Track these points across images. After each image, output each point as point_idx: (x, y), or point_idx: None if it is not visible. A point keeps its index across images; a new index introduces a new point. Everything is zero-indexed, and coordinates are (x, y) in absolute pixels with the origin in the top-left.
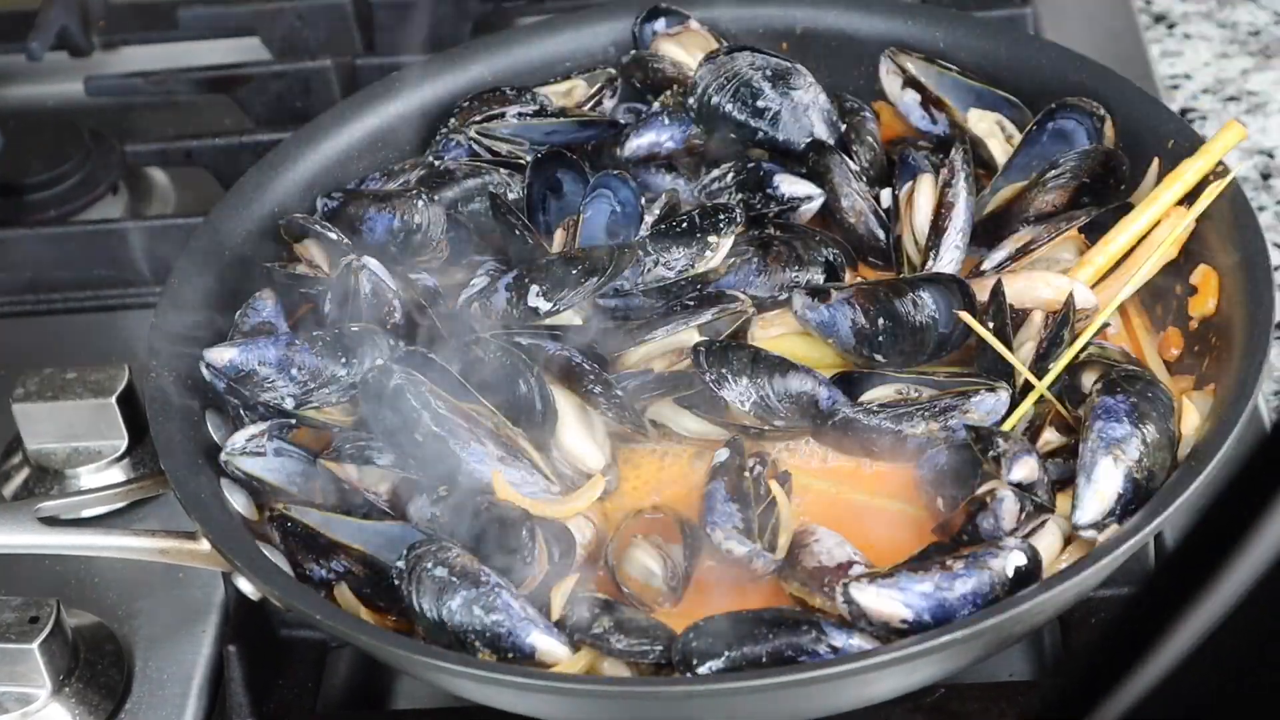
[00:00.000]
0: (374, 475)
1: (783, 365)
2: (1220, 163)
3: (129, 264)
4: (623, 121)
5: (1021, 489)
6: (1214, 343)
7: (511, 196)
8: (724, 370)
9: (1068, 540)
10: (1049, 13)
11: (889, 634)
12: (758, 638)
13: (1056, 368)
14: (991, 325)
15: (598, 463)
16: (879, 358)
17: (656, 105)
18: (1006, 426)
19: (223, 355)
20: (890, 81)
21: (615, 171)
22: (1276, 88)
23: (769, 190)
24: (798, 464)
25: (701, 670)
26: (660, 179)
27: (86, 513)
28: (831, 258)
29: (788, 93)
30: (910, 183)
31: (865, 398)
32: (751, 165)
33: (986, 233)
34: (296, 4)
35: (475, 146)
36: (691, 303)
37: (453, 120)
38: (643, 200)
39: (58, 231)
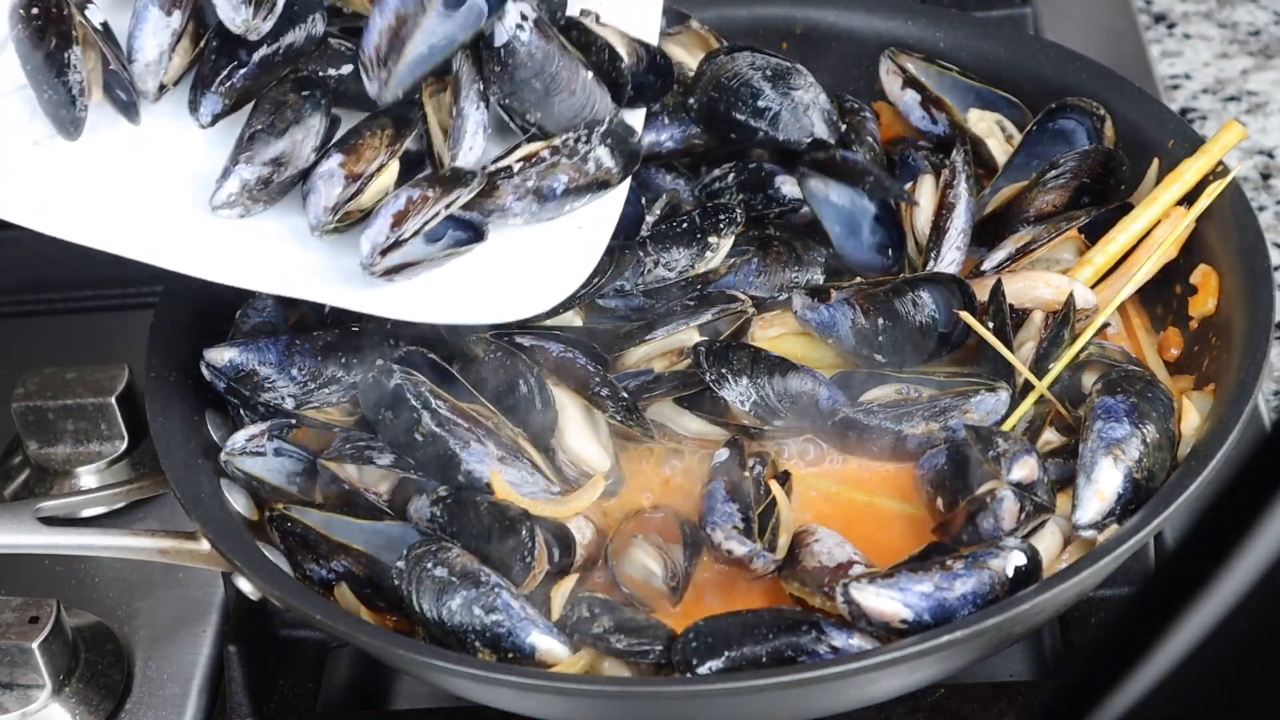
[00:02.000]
0: (374, 475)
1: (783, 365)
2: (1220, 163)
3: (129, 264)
4: None
5: (1021, 489)
6: (1214, 343)
7: None
8: (724, 370)
9: (1068, 540)
10: (1049, 13)
11: (889, 634)
12: (758, 638)
13: (1056, 368)
14: (991, 325)
15: (603, 464)
16: (879, 357)
17: (656, 105)
18: (1006, 426)
19: (223, 355)
20: (890, 81)
21: None
22: (1276, 88)
23: (770, 191)
24: (798, 464)
25: (701, 670)
26: (660, 179)
27: (86, 513)
28: (831, 258)
29: (788, 93)
30: (910, 183)
31: (865, 398)
32: (752, 165)
33: (986, 233)
34: None
35: None
36: (692, 303)
37: None
38: (643, 200)
39: None
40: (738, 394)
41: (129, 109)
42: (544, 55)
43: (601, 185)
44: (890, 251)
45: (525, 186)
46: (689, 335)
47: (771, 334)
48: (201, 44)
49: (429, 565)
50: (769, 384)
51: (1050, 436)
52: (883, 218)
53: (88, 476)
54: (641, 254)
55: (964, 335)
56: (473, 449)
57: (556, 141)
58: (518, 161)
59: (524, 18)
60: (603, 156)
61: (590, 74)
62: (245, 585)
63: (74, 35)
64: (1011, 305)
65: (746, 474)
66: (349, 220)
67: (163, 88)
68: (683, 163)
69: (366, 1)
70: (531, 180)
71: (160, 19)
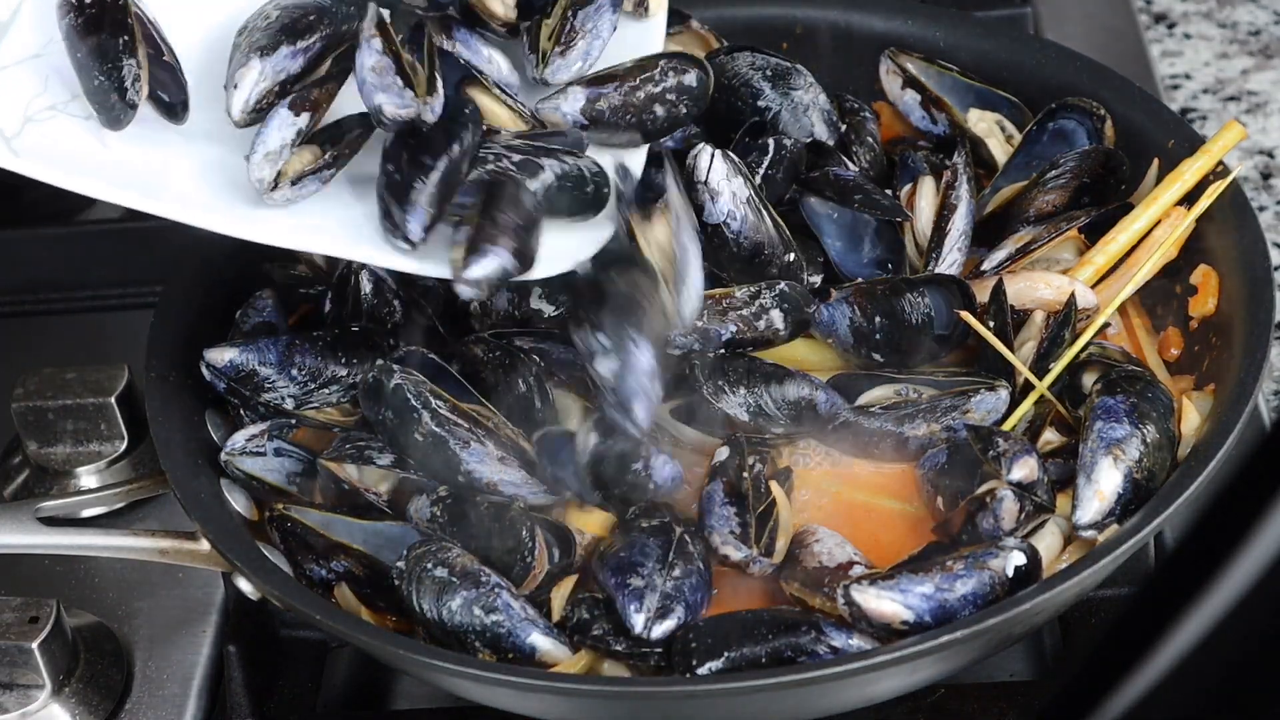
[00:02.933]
0: (374, 475)
1: (779, 373)
2: (1220, 163)
3: (129, 264)
4: None
5: (1021, 489)
6: (1214, 343)
7: None
8: (721, 382)
9: (1068, 540)
10: (1049, 13)
11: (889, 635)
12: (757, 638)
13: (1057, 368)
14: (992, 325)
15: None
16: (877, 357)
17: None
18: (1006, 426)
19: (223, 355)
20: (890, 81)
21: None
22: (1276, 88)
23: None
24: (797, 463)
25: (701, 671)
26: (660, 179)
27: (86, 513)
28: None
29: (788, 93)
30: (910, 184)
31: (864, 399)
32: None
33: (986, 233)
34: None
35: None
36: None
37: None
38: None
39: (58, 231)
40: (736, 405)
41: (172, 110)
42: (753, 231)
43: (766, 343)
44: (890, 265)
45: (695, 325)
46: None
47: None
48: (327, 156)
49: (429, 565)
50: (766, 392)
51: (1050, 436)
52: (884, 229)
53: (88, 476)
54: None
55: (963, 335)
56: (473, 449)
57: (737, 292)
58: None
59: (735, 196)
60: (775, 319)
61: (793, 255)
62: (245, 585)
63: (130, 25)
64: (1012, 305)
65: (746, 474)
66: None
67: (278, 181)
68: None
69: (513, 119)
70: (702, 320)
71: (288, 117)
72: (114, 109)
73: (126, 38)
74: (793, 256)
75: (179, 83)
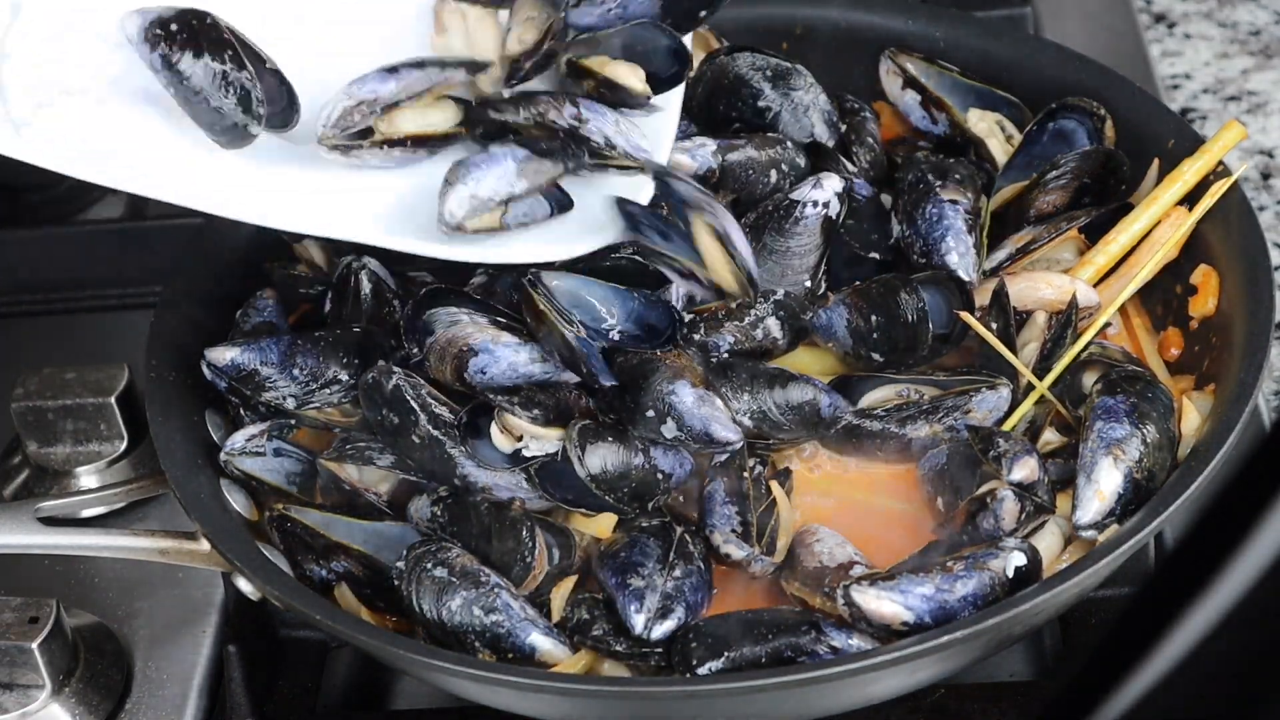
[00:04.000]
0: (374, 475)
1: (782, 377)
2: (1221, 163)
3: (129, 264)
4: None
5: (1022, 489)
6: (1214, 343)
7: None
8: (724, 388)
9: (1068, 540)
10: (1049, 13)
11: (889, 635)
12: (757, 638)
13: (1057, 368)
14: (995, 326)
15: None
16: (877, 357)
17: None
18: (1007, 427)
19: (224, 355)
20: (890, 81)
21: None
22: (1276, 88)
23: None
24: (798, 463)
25: (701, 671)
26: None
27: (86, 513)
28: None
29: (788, 93)
30: None
31: (866, 401)
32: None
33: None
34: None
35: None
36: None
37: None
38: None
39: (58, 231)
40: (740, 411)
41: (282, 117)
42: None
43: (765, 353)
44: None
45: (691, 339)
46: None
47: None
48: (501, 215)
49: (429, 565)
50: (770, 397)
51: (1050, 436)
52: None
53: (88, 476)
54: None
55: (963, 334)
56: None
57: (732, 303)
58: (688, 313)
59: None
60: (772, 327)
61: (815, 257)
62: (245, 585)
63: (228, 40)
64: (1014, 306)
65: (747, 474)
66: None
67: (460, 228)
68: None
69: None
70: (699, 334)
71: (513, 171)
72: (235, 130)
73: (231, 52)
74: (816, 259)
75: (256, 99)
